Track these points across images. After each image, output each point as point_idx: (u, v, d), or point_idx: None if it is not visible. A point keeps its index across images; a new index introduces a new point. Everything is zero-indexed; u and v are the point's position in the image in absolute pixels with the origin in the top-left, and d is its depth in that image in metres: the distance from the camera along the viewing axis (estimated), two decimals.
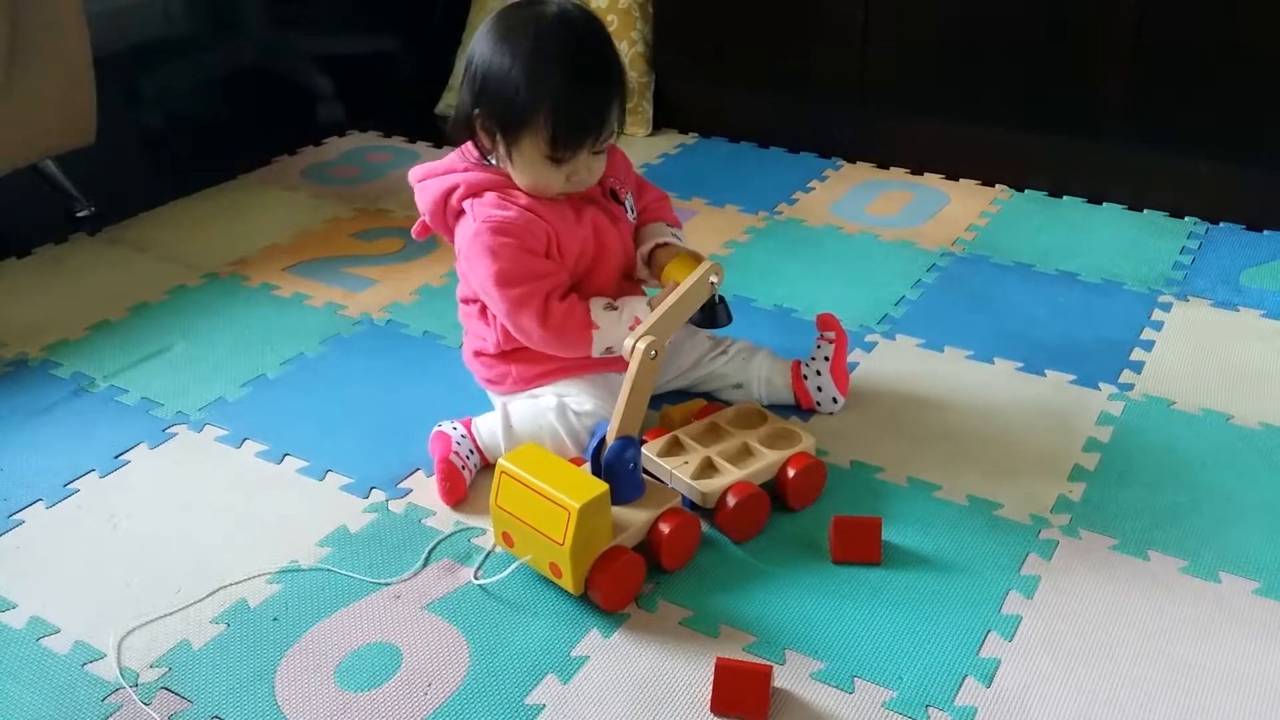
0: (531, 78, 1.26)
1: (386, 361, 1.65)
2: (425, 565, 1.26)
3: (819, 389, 1.50)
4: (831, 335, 1.49)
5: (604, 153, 1.34)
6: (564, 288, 1.36)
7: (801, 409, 1.51)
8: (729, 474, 1.29)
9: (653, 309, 1.26)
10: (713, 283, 1.30)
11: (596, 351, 1.35)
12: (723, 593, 1.22)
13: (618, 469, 1.22)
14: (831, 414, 1.51)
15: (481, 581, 1.23)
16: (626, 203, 1.42)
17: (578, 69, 1.27)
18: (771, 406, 1.46)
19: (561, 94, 1.26)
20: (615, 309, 1.36)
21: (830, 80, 2.31)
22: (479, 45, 1.30)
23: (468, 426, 1.39)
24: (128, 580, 1.25)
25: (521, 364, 1.42)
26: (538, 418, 1.38)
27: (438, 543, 1.29)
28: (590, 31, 1.31)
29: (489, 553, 1.27)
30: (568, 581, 1.17)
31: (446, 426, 1.39)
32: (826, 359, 1.49)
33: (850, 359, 1.63)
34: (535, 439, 1.34)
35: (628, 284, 1.44)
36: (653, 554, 1.22)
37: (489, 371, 1.45)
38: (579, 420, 1.38)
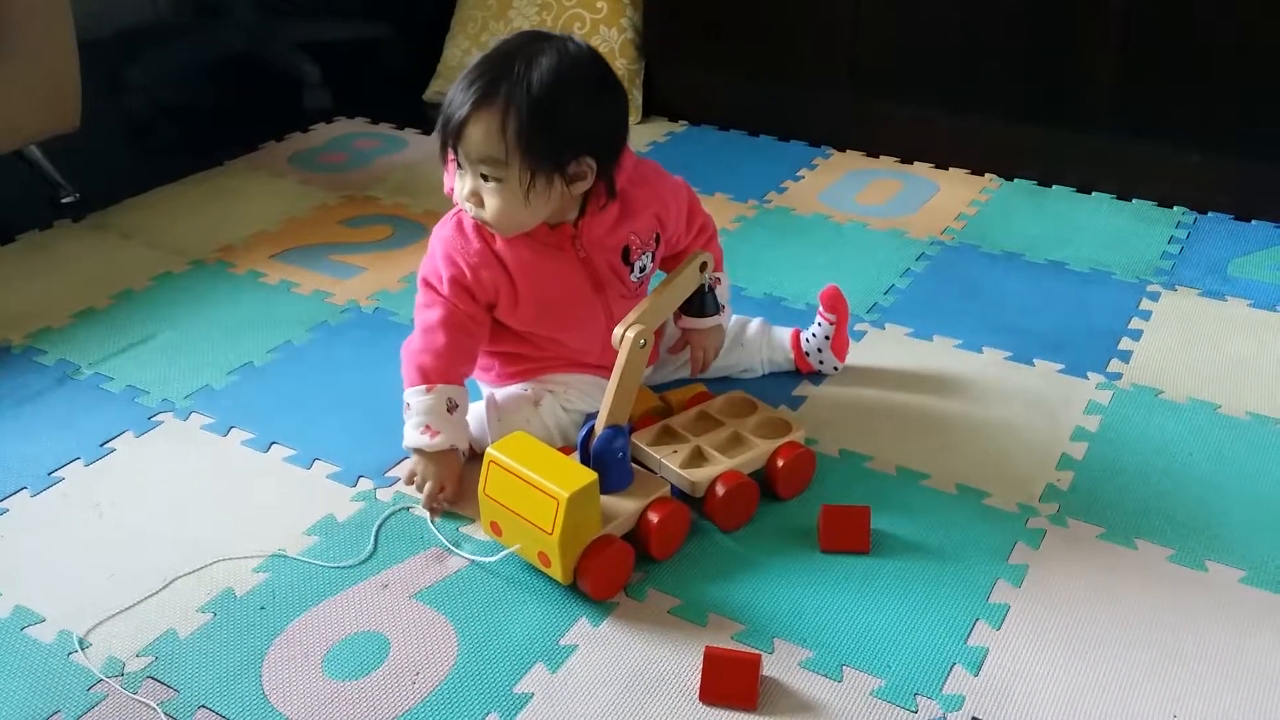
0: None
1: (374, 349, 1.64)
2: (413, 554, 1.26)
3: (820, 362, 1.54)
4: (833, 318, 1.50)
5: (497, 184, 1.21)
6: (464, 319, 1.31)
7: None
8: (718, 463, 1.29)
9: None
10: (702, 272, 1.29)
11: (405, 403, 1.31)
12: (711, 582, 1.22)
13: (606, 458, 1.22)
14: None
15: (469, 571, 1.23)
16: (635, 264, 1.35)
17: (470, 73, 1.21)
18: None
19: (455, 87, 1.21)
20: (446, 411, 1.29)
21: (821, 68, 2.31)
22: None
23: None
24: (113, 569, 1.24)
25: (503, 360, 1.41)
26: (524, 410, 1.37)
27: (425, 531, 1.28)
28: (540, 63, 1.19)
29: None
30: (556, 571, 1.17)
31: None
32: (827, 338, 1.52)
33: None
34: (523, 430, 1.34)
35: (598, 342, 1.38)
36: (641, 543, 1.22)
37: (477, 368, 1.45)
38: (566, 415, 1.37)
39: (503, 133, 1.19)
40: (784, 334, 1.55)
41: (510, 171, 1.21)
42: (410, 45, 2.80)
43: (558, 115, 1.20)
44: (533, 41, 1.23)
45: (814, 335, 1.53)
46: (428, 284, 1.32)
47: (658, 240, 1.37)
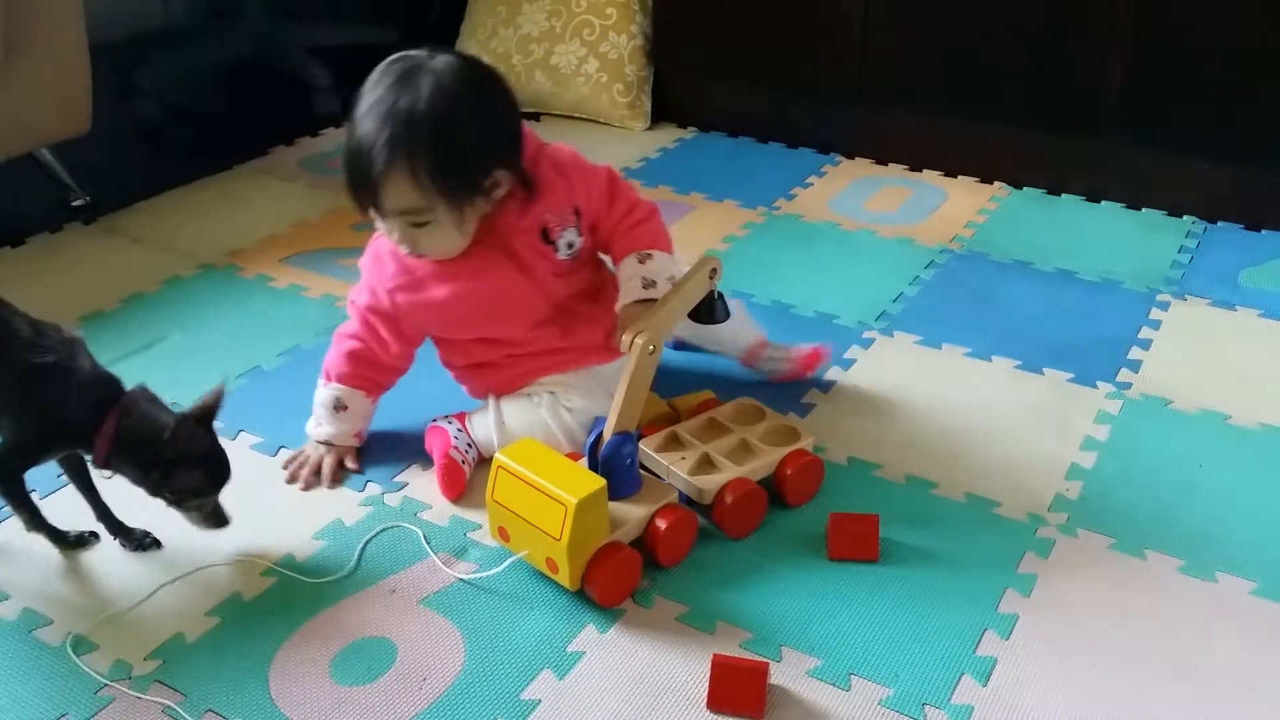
0: (349, 122, 1.25)
1: None
2: (421, 559, 1.25)
3: (767, 370, 1.57)
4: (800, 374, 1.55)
5: (426, 226, 1.25)
6: (368, 338, 1.38)
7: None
8: (727, 470, 1.29)
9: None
10: (711, 279, 1.29)
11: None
12: (719, 589, 1.21)
13: (615, 464, 1.22)
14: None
15: (476, 576, 1.23)
16: (560, 241, 1.34)
17: (364, 132, 1.21)
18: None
19: (347, 149, 1.25)
20: (332, 408, 1.39)
21: (830, 76, 2.31)
22: None
23: (462, 421, 1.39)
24: (121, 572, 1.24)
25: (489, 374, 1.42)
26: (530, 413, 1.37)
27: (433, 537, 1.28)
28: (422, 99, 1.20)
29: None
30: (564, 577, 1.17)
31: (442, 422, 1.39)
32: (778, 369, 1.55)
33: (848, 355, 1.64)
34: (528, 434, 1.34)
35: (549, 328, 1.38)
36: (649, 550, 1.22)
37: (467, 385, 1.46)
38: (571, 416, 1.37)
39: (416, 185, 1.22)
40: (750, 334, 1.54)
41: (436, 213, 1.24)
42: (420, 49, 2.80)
43: (461, 146, 1.23)
44: (405, 78, 1.23)
45: (772, 361, 1.54)
46: (352, 304, 1.41)
47: (579, 214, 1.36)
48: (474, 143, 1.24)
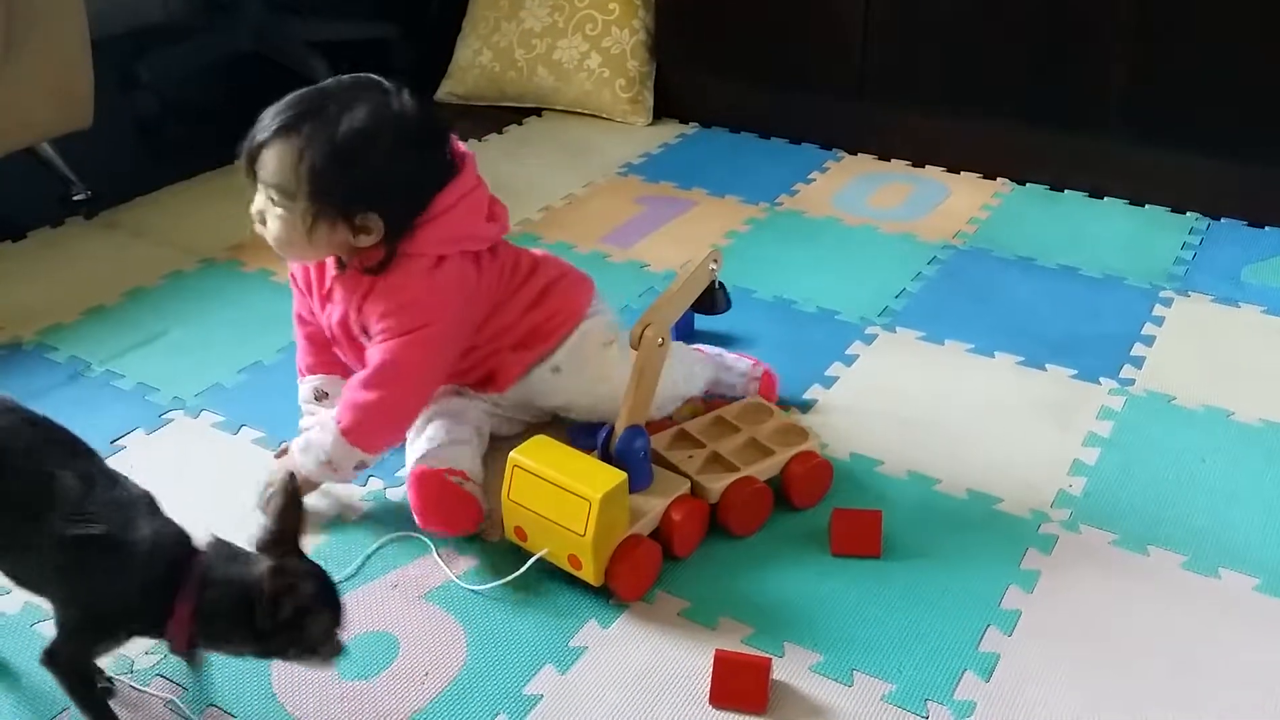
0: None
1: None
2: (423, 554, 1.25)
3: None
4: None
5: (285, 213, 1.21)
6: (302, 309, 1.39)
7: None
8: (734, 470, 1.28)
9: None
10: (712, 269, 1.29)
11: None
12: (722, 584, 1.21)
13: (628, 458, 1.21)
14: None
15: (489, 586, 1.22)
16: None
17: (284, 103, 1.23)
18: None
19: (267, 110, 1.25)
20: (314, 399, 1.40)
21: (832, 71, 2.30)
22: None
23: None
24: None
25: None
26: (465, 454, 1.30)
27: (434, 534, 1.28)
28: (356, 115, 1.20)
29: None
30: (588, 572, 1.16)
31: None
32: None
33: (850, 351, 1.64)
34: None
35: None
36: (664, 541, 1.22)
37: None
38: (482, 401, 1.36)
39: (296, 167, 1.20)
40: (700, 380, 1.44)
41: (296, 205, 1.21)
42: (421, 45, 2.80)
43: (354, 165, 1.20)
44: (356, 88, 1.22)
45: (726, 386, 1.46)
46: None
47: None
48: (368, 175, 1.19)
